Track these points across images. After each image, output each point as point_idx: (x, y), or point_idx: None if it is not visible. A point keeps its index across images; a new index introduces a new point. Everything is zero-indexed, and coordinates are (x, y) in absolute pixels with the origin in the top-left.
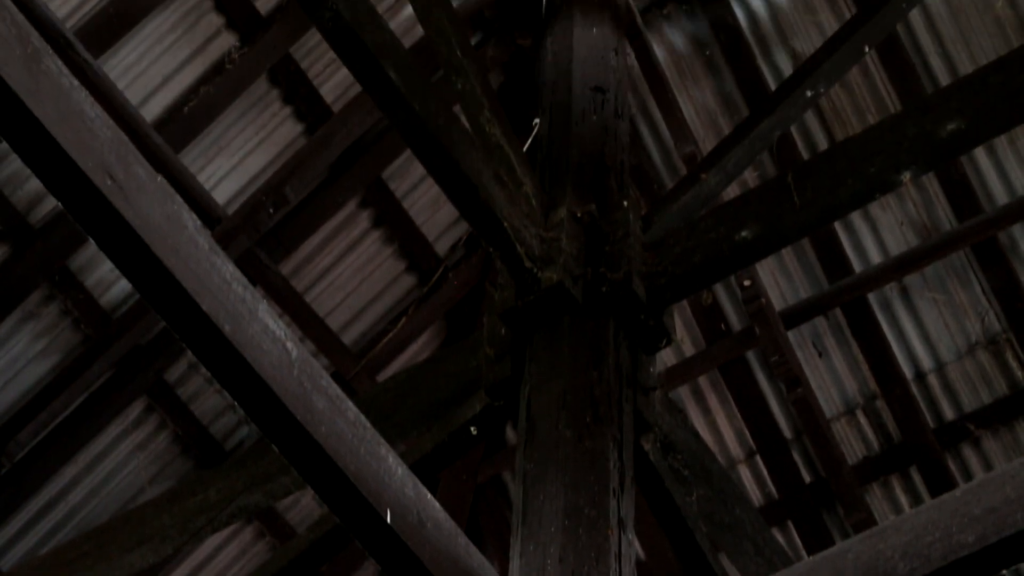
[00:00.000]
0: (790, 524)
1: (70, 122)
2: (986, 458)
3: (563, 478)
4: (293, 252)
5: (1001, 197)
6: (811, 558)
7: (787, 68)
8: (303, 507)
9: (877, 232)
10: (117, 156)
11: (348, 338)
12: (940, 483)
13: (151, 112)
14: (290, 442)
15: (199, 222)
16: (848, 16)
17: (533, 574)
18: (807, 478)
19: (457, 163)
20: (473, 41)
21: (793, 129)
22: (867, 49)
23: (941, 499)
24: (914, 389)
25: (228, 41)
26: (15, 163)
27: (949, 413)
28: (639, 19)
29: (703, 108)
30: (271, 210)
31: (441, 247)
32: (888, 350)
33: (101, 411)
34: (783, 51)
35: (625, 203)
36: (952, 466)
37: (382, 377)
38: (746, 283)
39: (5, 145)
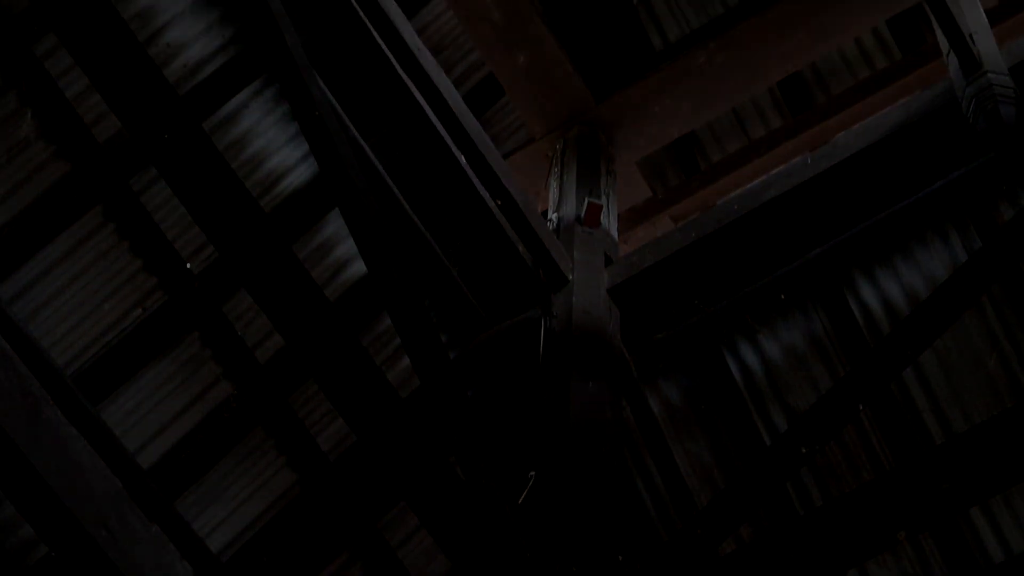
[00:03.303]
0: None
1: (68, 473)
2: None
3: None
4: None
5: (997, 555)
6: None
7: (782, 423)
8: None
9: None
10: (113, 507)
11: None
12: None
13: (148, 459)
14: None
15: (192, 571)
16: (842, 373)
17: None
18: None
19: (455, 513)
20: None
21: (788, 485)
22: (861, 407)
23: None
24: None
25: (226, 390)
26: (8, 510)
27: None
28: (634, 373)
29: (698, 463)
30: (265, 558)
31: None
32: None
33: None
34: (778, 406)
35: None
36: None
37: None
38: None
39: None
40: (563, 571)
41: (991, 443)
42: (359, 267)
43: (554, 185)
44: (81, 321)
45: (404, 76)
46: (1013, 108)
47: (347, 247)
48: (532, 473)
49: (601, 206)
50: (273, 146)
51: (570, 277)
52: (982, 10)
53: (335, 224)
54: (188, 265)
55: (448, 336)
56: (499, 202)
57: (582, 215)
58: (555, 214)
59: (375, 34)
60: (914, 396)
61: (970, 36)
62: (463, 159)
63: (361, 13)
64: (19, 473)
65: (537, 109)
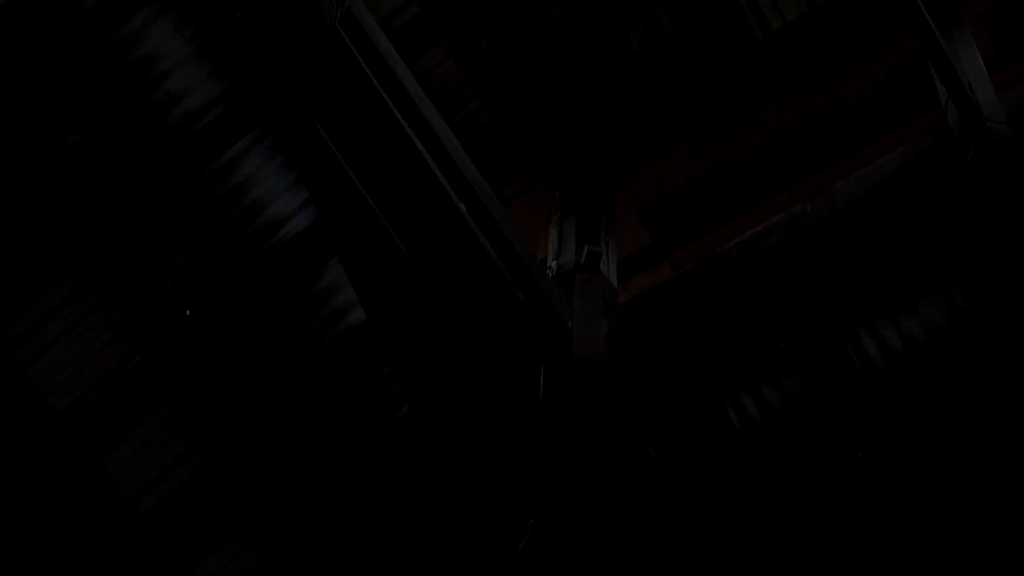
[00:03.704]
0: None
1: (67, 524)
2: None
3: None
4: None
5: None
6: None
7: (782, 471)
8: None
9: None
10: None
11: None
12: None
13: (148, 504)
14: None
15: None
16: (842, 420)
17: None
18: None
19: None
20: None
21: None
22: (860, 454)
23: None
24: None
25: (224, 437)
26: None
27: None
28: (633, 420)
29: (699, 510)
30: None
31: None
32: None
33: None
34: (778, 455)
35: None
36: None
37: None
38: None
39: None
40: None
41: (992, 495)
42: (359, 313)
43: (554, 232)
44: (81, 368)
45: (404, 124)
46: (1011, 157)
47: (347, 294)
48: (531, 520)
49: (601, 254)
50: (273, 193)
51: (569, 324)
52: (981, 60)
53: (335, 271)
54: (188, 312)
55: (447, 383)
56: (499, 250)
57: (582, 263)
58: (555, 261)
59: (375, 82)
60: (915, 442)
61: (969, 85)
62: (463, 207)
63: (362, 61)
64: (19, 522)
65: (537, 156)
